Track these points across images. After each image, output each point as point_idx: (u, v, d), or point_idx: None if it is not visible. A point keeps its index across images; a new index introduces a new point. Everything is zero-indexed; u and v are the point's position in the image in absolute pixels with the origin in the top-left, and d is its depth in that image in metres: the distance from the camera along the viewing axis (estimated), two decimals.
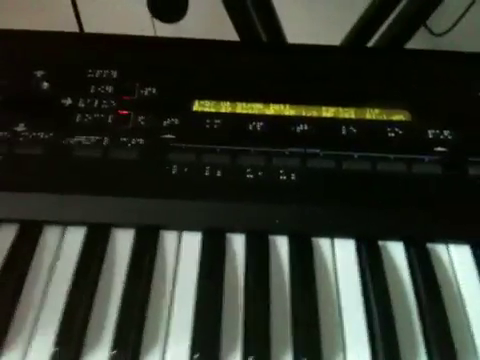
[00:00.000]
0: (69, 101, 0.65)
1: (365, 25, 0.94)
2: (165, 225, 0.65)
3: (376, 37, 0.93)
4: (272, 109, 0.69)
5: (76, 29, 1.08)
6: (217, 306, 0.60)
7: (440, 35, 1.25)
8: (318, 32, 0.96)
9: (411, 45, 0.93)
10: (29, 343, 0.57)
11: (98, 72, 0.68)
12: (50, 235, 0.64)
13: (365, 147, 0.68)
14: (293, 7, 1.16)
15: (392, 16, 0.93)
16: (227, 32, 0.89)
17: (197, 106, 0.68)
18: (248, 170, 0.66)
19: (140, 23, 1.00)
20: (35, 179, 0.65)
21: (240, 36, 0.87)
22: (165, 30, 0.99)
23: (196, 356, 0.56)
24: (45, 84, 0.66)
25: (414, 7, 0.90)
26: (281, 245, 0.66)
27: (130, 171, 0.65)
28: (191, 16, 0.93)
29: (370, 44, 0.93)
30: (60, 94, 0.66)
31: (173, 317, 0.60)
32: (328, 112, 0.69)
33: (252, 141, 0.67)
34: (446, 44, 1.25)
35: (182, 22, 0.92)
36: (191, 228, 0.66)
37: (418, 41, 0.95)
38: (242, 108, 0.69)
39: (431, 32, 1.25)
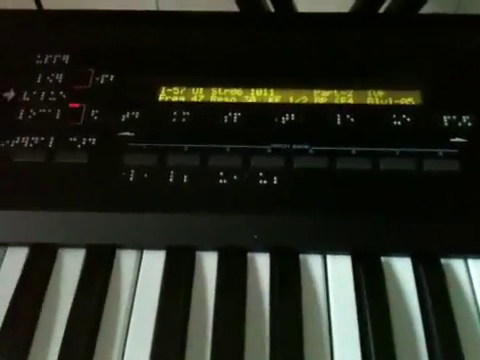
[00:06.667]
0: (11, 94, 0.56)
1: None
2: (121, 243, 0.56)
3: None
4: (253, 96, 0.58)
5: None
6: (180, 340, 0.51)
7: None
8: None
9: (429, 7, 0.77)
10: None
11: (46, 57, 0.58)
12: None
13: (365, 140, 0.57)
14: None
15: None
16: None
17: (163, 95, 0.58)
18: (221, 174, 0.56)
19: None
20: None
21: (240, 6, 0.76)
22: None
23: None
24: None
25: None
26: (261, 264, 0.55)
27: (79, 179, 0.56)
28: None
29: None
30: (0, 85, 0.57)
31: (127, 353, 0.51)
32: (321, 97, 0.57)
33: (227, 137, 0.57)
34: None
35: None
36: (152, 246, 0.56)
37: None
38: (217, 95, 0.58)
39: None
